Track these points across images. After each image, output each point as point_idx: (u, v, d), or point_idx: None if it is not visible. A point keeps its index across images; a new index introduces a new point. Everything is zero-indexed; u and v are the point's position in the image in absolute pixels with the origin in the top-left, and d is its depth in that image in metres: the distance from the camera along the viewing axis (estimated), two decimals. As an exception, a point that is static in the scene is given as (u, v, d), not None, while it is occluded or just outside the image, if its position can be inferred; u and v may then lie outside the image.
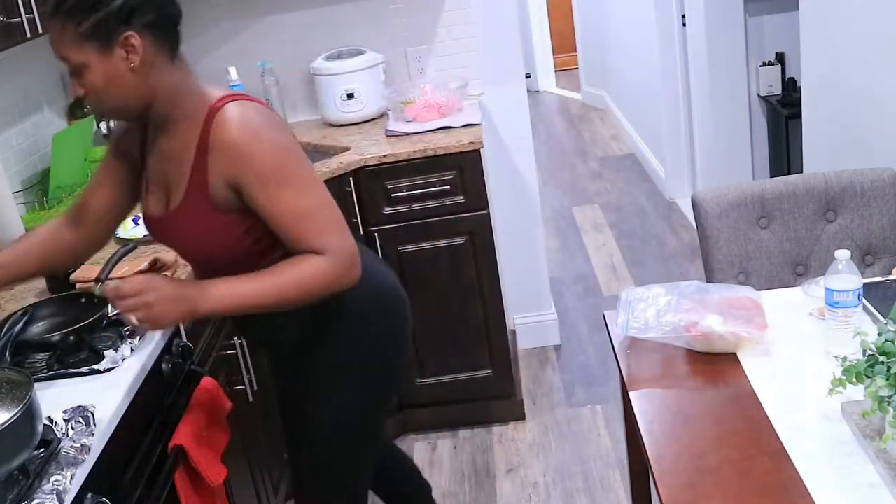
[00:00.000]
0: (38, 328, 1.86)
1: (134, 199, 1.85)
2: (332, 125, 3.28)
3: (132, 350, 1.76)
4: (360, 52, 3.23)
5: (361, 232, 2.93)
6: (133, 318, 1.58)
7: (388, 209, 2.94)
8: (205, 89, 1.67)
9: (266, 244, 1.68)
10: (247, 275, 1.64)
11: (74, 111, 3.02)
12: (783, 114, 4.40)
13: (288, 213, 1.61)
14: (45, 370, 1.71)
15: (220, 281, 1.63)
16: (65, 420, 1.51)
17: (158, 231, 1.77)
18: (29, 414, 1.36)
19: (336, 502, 1.98)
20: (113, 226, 1.90)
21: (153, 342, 1.81)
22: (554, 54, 8.46)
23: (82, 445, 1.45)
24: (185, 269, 2.13)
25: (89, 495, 1.42)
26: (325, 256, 1.63)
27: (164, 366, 1.84)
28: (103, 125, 3.05)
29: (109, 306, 1.85)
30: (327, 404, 1.88)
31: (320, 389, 1.87)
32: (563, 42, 8.45)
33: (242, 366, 2.39)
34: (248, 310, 1.66)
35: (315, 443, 1.91)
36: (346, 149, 2.99)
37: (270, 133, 1.61)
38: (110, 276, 2.00)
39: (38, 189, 2.74)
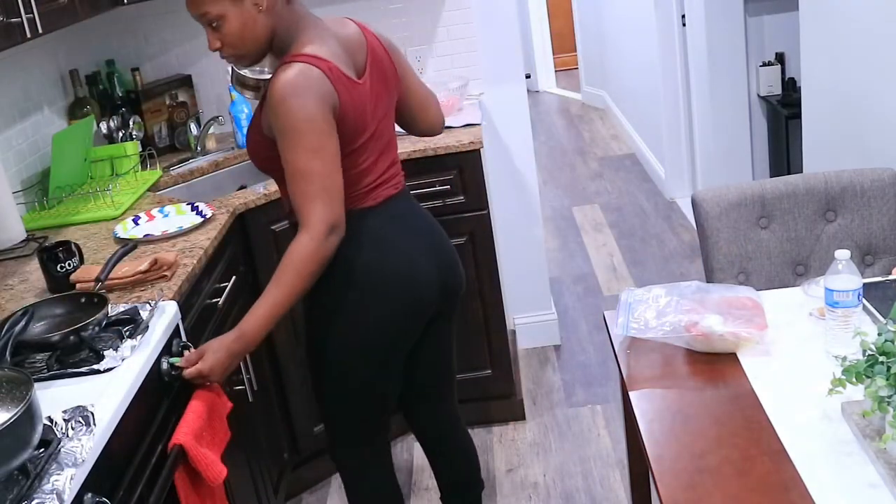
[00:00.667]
0: (38, 328, 1.86)
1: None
2: (332, 125, 3.28)
3: (132, 350, 1.76)
4: (360, 52, 3.23)
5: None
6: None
7: (388, 209, 2.94)
8: (304, 38, 1.93)
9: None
10: (261, 297, 1.89)
11: (74, 111, 3.02)
12: (783, 114, 4.40)
13: (292, 165, 1.87)
14: (45, 370, 1.71)
15: (247, 316, 1.90)
16: (65, 420, 1.50)
17: (247, 136, 2.12)
18: (29, 414, 1.36)
19: (349, 433, 2.22)
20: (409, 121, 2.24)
21: (153, 342, 1.81)
22: (554, 54, 8.46)
23: (82, 445, 1.45)
24: (184, 269, 2.13)
25: (89, 495, 1.42)
26: (302, 232, 1.87)
27: (164, 366, 1.84)
28: (103, 125, 3.05)
29: (109, 306, 1.86)
30: (320, 345, 2.11)
31: (316, 328, 2.11)
32: (563, 42, 8.45)
33: (242, 366, 2.39)
34: (278, 317, 1.90)
35: (321, 370, 2.15)
36: (346, 149, 2.99)
37: (301, 100, 1.84)
38: (110, 276, 2.00)
39: (38, 189, 2.74)
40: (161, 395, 1.83)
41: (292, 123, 1.85)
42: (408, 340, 2.14)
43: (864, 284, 1.73)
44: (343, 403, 2.18)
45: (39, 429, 1.39)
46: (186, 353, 1.89)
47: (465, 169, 2.91)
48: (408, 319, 2.10)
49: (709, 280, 2.34)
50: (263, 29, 1.91)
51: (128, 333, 1.81)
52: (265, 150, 1.98)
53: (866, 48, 2.70)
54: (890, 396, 1.36)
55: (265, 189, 2.71)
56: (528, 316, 3.72)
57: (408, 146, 2.90)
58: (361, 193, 2.02)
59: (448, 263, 2.17)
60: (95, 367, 1.70)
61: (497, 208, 3.39)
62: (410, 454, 3.15)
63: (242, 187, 3.01)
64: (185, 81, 3.37)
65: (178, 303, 1.98)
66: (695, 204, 2.33)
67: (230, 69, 2.19)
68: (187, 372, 1.85)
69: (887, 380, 1.37)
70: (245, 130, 3.16)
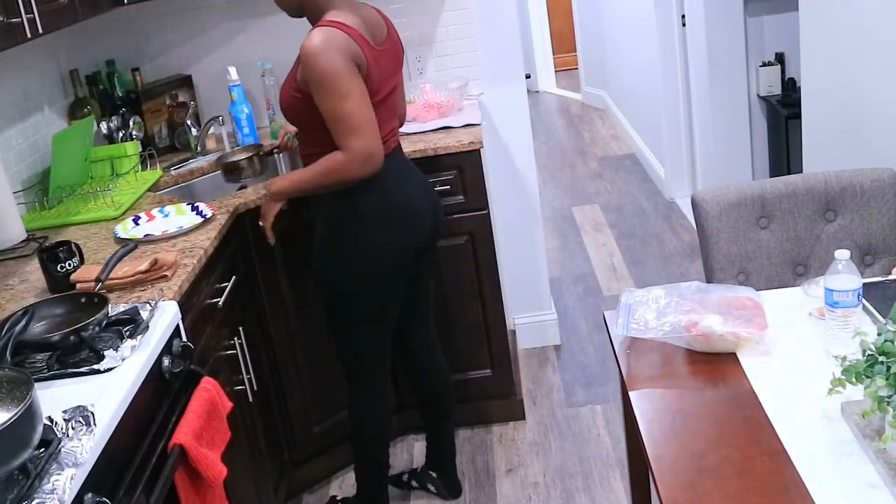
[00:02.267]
0: (38, 328, 1.86)
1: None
2: (332, 125, 3.28)
3: (132, 350, 1.76)
4: (360, 52, 3.23)
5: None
6: None
7: (388, 209, 2.94)
8: (332, 8, 2.29)
9: (320, 121, 2.27)
10: (296, 170, 2.44)
11: (74, 111, 3.02)
12: (783, 114, 4.40)
13: (328, 112, 2.23)
14: (45, 370, 1.71)
15: (276, 179, 2.47)
16: (65, 420, 1.50)
17: (280, 94, 2.43)
18: (29, 414, 1.36)
19: (359, 374, 2.58)
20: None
21: (153, 342, 1.81)
22: (554, 54, 8.46)
23: (82, 445, 1.45)
24: (184, 269, 2.13)
25: (89, 495, 1.42)
26: (343, 153, 2.25)
27: (164, 365, 1.84)
28: (104, 125, 3.05)
29: (109, 306, 1.86)
30: (335, 285, 2.46)
31: (334, 265, 2.45)
32: (563, 42, 8.45)
33: (242, 366, 2.39)
34: (298, 191, 2.41)
35: (334, 316, 2.52)
36: (346, 149, 2.99)
37: (330, 55, 2.18)
38: (110, 276, 2.00)
39: (39, 189, 2.74)
40: (161, 395, 1.83)
41: (323, 76, 2.18)
42: (408, 266, 2.47)
43: (864, 284, 1.72)
44: (357, 326, 2.49)
45: (39, 429, 1.39)
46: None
47: (465, 169, 2.91)
48: (409, 246, 2.44)
49: (709, 280, 2.34)
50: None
51: (128, 333, 1.81)
52: (298, 103, 2.31)
53: (866, 48, 2.70)
54: (890, 396, 1.36)
55: (265, 189, 2.71)
56: (528, 316, 3.72)
57: (408, 147, 2.90)
58: (387, 142, 2.37)
59: (436, 205, 2.55)
60: (95, 367, 1.71)
61: (497, 208, 3.39)
62: (410, 454, 3.16)
63: (242, 187, 3.01)
64: (185, 81, 3.37)
65: (178, 303, 1.99)
66: (695, 204, 2.33)
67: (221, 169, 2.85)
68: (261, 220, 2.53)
69: (887, 380, 1.37)
70: (244, 130, 3.18)
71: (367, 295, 2.45)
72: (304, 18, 2.37)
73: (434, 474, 2.91)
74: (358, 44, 2.23)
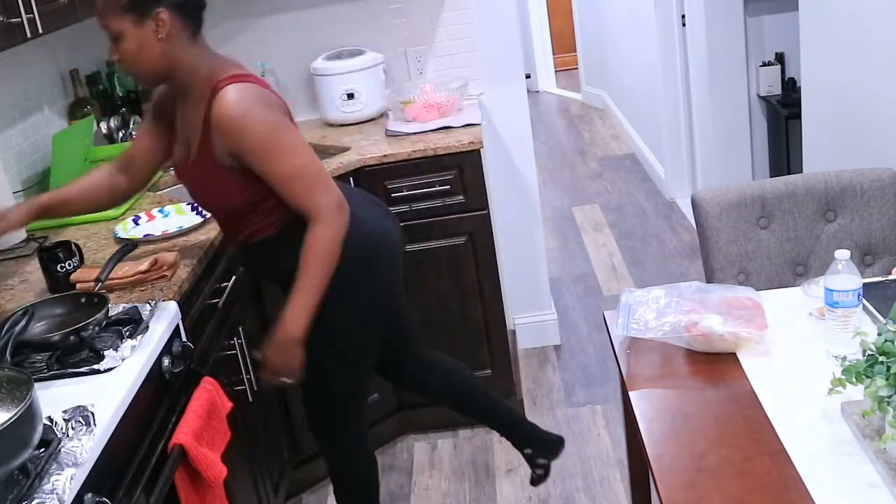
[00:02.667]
0: (38, 328, 1.86)
1: (168, 150, 2.18)
2: (332, 125, 3.28)
3: (132, 350, 1.76)
4: (360, 52, 3.23)
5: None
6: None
7: (388, 209, 2.94)
8: (218, 67, 1.98)
9: (260, 195, 2.02)
10: (294, 289, 2.02)
11: (74, 111, 3.02)
12: (783, 114, 4.40)
13: (280, 176, 1.97)
14: (45, 370, 1.71)
15: (289, 318, 2.04)
16: (65, 420, 1.51)
17: (181, 176, 2.14)
18: (29, 414, 1.36)
19: (328, 418, 2.33)
20: (153, 171, 2.28)
21: (153, 342, 1.81)
22: (554, 54, 8.46)
23: (82, 445, 1.45)
24: (184, 269, 2.13)
25: (89, 495, 1.42)
26: (316, 222, 1.99)
27: (164, 365, 1.84)
28: (103, 125, 3.05)
29: (109, 306, 1.86)
30: (319, 329, 2.11)
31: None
32: (563, 42, 8.45)
33: (242, 366, 2.39)
34: (315, 304, 2.03)
35: (310, 360, 2.16)
36: (346, 149, 2.99)
37: (258, 111, 1.93)
38: (110, 276, 2.00)
39: (39, 189, 2.74)
40: (161, 395, 1.83)
41: (261, 139, 1.93)
42: (397, 292, 2.33)
43: (864, 284, 1.72)
44: (346, 372, 2.28)
45: (39, 429, 1.39)
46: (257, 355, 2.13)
47: (465, 169, 2.91)
48: (394, 273, 2.28)
49: (709, 280, 2.34)
50: (161, 57, 1.94)
51: (128, 333, 1.82)
52: (229, 183, 2.00)
53: (866, 48, 2.70)
54: (890, 396, 1.36)
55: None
56: (528, 316, 3.72)
57: (407, 146, 2.90)
58: None
59: (396, 221, 2.36)
60: (95, 367, 1.71)
61: (497, 208, 3.38)
62: (410, 454, 3.16)
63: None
64: (185, 81, 3.37)
65: (178, 303, 1.99)
66: (695, 204, 2.33)
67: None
68: (268, 377, 2.12)
69: (887, 380, 1.37)
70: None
71: (358, 333, 2.25)
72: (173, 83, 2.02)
73: (529, 451, 2.69)
74: (272, 92, 2.01)
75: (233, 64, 2.03)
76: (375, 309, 2.26)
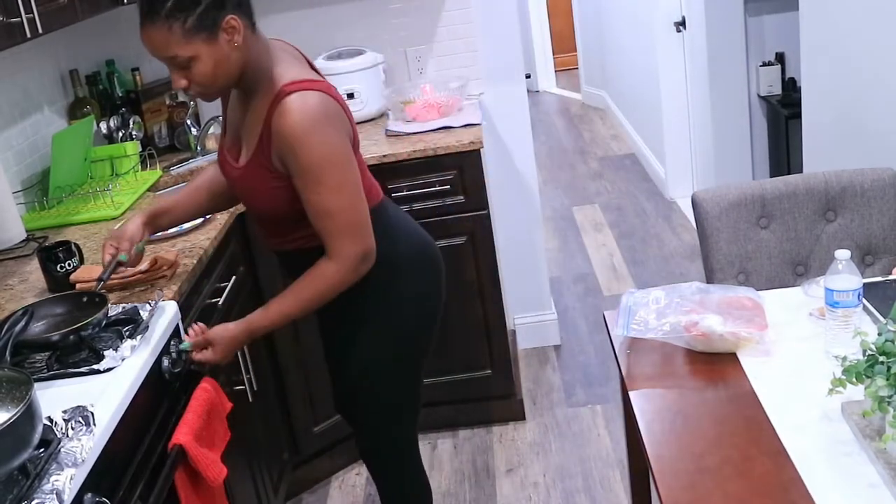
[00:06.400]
0: (38, 328, 1.86)
1: None
2: (332, 125, 3.28)
3: (132, 350, 1.76)
4: (360, 52, 3.24)
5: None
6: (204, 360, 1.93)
7: (388, 209, 2.94)
8: (282, 65, 1.85)
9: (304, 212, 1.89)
10: (275, 299, 1.94)
11: (74, 111, 3.02)
12: (783, 114, 4.40)
13: (316, 205, 1.84)
14: (45, 370, 1.71)
15: (258, 314, 1.95)
16: (65, 420, 1.50)
17: (229, 173, 2.01)
18: (29, 414, 1.36)
19: (387, 442, 2.21)
20: None
21: (153, 342, 1.81)
22: (554, 54, 8.46)
23: (82, 445, 1.45)
24: (184, 269, 2.13)
25: (89, 495, 1.42)
26: (332, 262, 1.87)
27: (163, 365, 1.84)
28: (103, 125, 3.05)
29: (109, 306, 1.86)
30: (366, 347, 2.08)
31: (360, 333, 2.08)
32: (563, 42, 8.45)
33: (242, 366, 2.39)
34: (284, 323, 1.97)
35: (359, 382, 2.13)
36: (346, 149, 2.99)
37: (320, 131, 1.79)
38: (111, 276, 2.00)
39: (38, 189, 2.74)
40: (161, 395, 1.83)
41: (316, 163, 1.79)
42: (441, 312, 2.19)
43: (864, 284, 1.72)
44: (399, 390, 2.16)
45: (39, 429, 1.39)
46: (191, 330, 1.96)
47: (465, 169, 2.91)
48: (441, 289, 2.18)
49: (709, 280, 2.34)
50: (236, 65, 1.81)
51: (128, 333, 1.82)
52: (271, 189, 1.88)
53: (866, 48, 2.70)
54: (890, 396, 1.36)
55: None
56: (528, 316, 3.72)
57: (407, 146, 2.90)
58: (369, 192, 1.99)
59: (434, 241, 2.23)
60: (95, 367, 1.71)
61: (497, 208, 3.39)
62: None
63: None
64: (185, 81, 3.37)
65: (178, 303, 1.99)
66: (695, 204, 2.33)
67: None
68: (196, 356, 1.92)
69: (887, 380, 1.37)
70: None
71: (414, 358, 2.16)
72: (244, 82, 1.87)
73: None
74: (337, 100, 1.86)
75: (293, 57, 1.91)
76: (431, 321, 2.16)
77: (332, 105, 1.83)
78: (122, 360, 1.73)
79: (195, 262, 2.18)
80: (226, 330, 1.94)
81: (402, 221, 2.11)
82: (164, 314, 1.91)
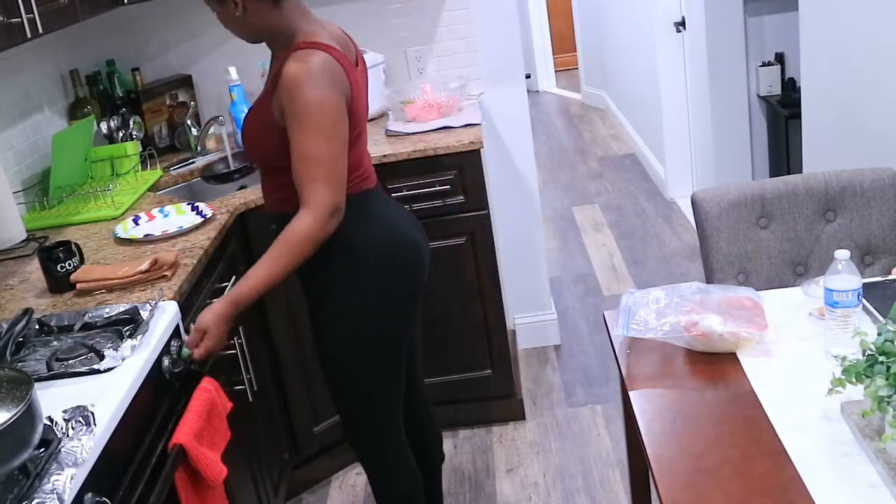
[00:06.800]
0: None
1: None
2: (332, 125, 3.28)
3: (132, 350, 1.76)
4: (360, 52, 3.23)
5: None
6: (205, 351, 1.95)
7: (388, 209, 2.94)
8: (306, 31, 2.01)
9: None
10: (253, 267, 1.98)
11: (74, 111, 3.02)
12: (783, 114, 4.40)
13: (299, 148, 1.94)
14: (45, 370, 1.71)
15: (239, 285, 1.98)
16: (65, 420, 1.51)
17: (243, 125, 2.15)
18: (29, 414, 1.36)
19: (369, 430, 2.25)
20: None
21: (153, 342, 1.81)
22: (554, 54, 8.46)
23: (82, 445, 1.45)
24: (184, 269, 2.13)
25: (89, 495, 1.42)
26: (304, 211, 1.94)
27: (164, 365, 1.84)
28: (104, 125, 3.05)
29: (110, 305, 1.86)
30: (335, 337, 2.14)
31: (329, 323, 2.14)
32: (563, 42, 8.46)
33: (242, 366, 2.39)
34: (269, 289, 1.98)
35: (334, 371, 2.20)
36: (346, 149, 2.99)
37: (318, 82, 1.92)
38: (111, 276, 2.00)
39: (39, 189, 2.74)
40: (161, 395, 1.83)
41: (307, 107, 1.91)
42: (416, 307, 2.24)
43: (864, 284, 1.72)
44: (370, 380, 2.20)
45: (39, 429, 1.39)
46: (185, 338, 1.95)
47: (465, 169, 2.91)
48: (417, 285, 2.19)
49: (709, 280, 2.34)
50: (245, 29, 2.04)
51: (128, 333, 1.82)
52: (271, 138, 2.00)
53: (866, 48, 2.70)
54: (890, 396, 1.36)
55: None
56: (528, 316, 3.72)
57: (408, 146, 2.90)
58: (362, 178, 2.12)
59: (426, 238, 2.27)
60: (95, 367, 1.71)
61: (497, 208, 3.39)
62: (410, 454, 3.16)
63: (242, 187, 3.01)
64: (185, 81, 3.37)
65: (178, 303, 1.99)
66: (695, 204, 2.33)
67: None
68: (198, 353, 1.93)
69: (887, 380, 1.37)
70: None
71: (382, 331, 2.17)
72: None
73: None
74: (346, 70, 1.98)
75: (323, 29, 2.05)
76: (402, 312, 2.18)
77: (336, 67, 1.96)
78: (123, 359, 1.73)
79: (195, 262, 2.18)
80: (211, 311, 1.96)
81: (384, 215, 2.15)
82: (165, 314, 1.91)
